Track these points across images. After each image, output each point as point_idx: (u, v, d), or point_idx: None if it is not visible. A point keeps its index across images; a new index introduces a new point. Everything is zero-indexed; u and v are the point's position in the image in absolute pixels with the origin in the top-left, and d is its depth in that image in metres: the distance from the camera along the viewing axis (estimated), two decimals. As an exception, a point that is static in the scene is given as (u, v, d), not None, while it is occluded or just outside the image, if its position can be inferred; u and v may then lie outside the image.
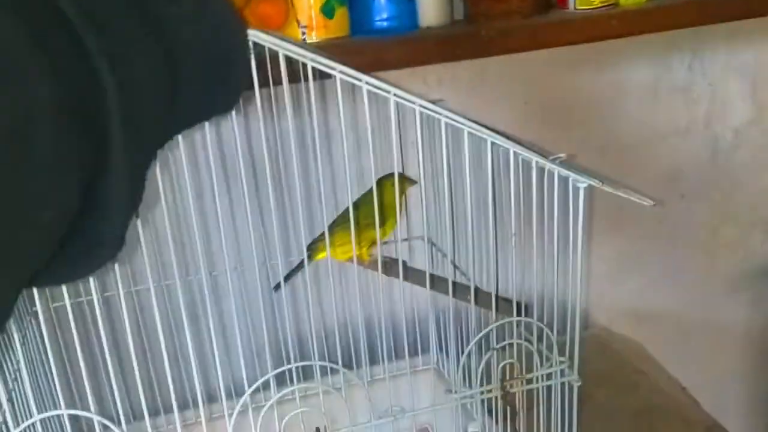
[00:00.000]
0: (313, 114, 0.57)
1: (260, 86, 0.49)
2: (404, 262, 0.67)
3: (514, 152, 0.51)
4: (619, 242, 1.15)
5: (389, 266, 0.68)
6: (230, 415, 0.54)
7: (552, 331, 0.58)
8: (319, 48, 0.65)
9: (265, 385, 0.56)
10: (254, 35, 0.45)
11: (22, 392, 0.57)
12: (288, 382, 0.60)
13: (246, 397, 0.53)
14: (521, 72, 1.01)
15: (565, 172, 0.52)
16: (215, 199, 0.61)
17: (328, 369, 0.58)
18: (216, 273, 0.80)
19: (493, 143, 0.50)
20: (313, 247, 0.77)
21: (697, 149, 1.16)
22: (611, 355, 1.07)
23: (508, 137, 0.51)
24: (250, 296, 0.79)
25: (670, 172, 1.15)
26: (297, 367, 0.58)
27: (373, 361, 0.76)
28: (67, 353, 0.69)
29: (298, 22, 0.85)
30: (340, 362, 0.56)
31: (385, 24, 0.88)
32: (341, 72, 0.48)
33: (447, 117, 0.48)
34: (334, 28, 0.86)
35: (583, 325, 1.17)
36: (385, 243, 0.77)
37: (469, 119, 0.49)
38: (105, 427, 0.53)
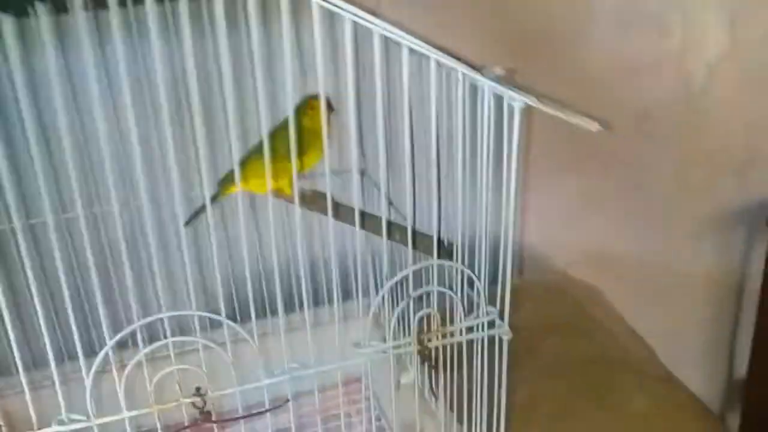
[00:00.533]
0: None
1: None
2: (322, 194, 0.58)
3: (437, 61, 0.42)
4: (580, 182, 1.08)
5: (310, 199, 0.60)
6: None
7: (480, 277, 0.50)
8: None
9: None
10: None
11: None
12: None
13: (106, 351, 0.45)
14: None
15: (498, 88, 0.43)
16: (132, 121, 0.51)
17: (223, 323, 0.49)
18: (129, 206, 0.71)
19: (410, 50, 0.41)
20: (226, 181, 0.68)
21: (668, 85, 1.08)
22: (567, 301, 1.01)
23: (432, 46, 0.42)
24: (168, 233, 0.71)
25: (638, 109, 1.08)
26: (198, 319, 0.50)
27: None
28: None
29: None
30: (239, 313, 0.48)
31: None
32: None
33: (350, 13, 0.38)
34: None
35: (539, 269, 1.11)
36: (306, 176, 0.68)
37: (382, 21, 0.40)
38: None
